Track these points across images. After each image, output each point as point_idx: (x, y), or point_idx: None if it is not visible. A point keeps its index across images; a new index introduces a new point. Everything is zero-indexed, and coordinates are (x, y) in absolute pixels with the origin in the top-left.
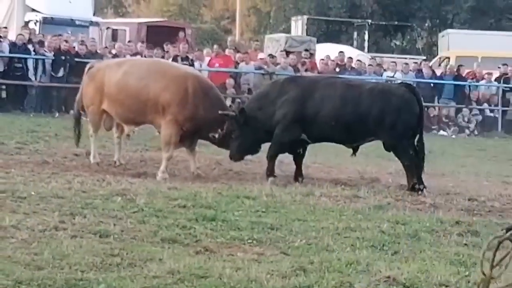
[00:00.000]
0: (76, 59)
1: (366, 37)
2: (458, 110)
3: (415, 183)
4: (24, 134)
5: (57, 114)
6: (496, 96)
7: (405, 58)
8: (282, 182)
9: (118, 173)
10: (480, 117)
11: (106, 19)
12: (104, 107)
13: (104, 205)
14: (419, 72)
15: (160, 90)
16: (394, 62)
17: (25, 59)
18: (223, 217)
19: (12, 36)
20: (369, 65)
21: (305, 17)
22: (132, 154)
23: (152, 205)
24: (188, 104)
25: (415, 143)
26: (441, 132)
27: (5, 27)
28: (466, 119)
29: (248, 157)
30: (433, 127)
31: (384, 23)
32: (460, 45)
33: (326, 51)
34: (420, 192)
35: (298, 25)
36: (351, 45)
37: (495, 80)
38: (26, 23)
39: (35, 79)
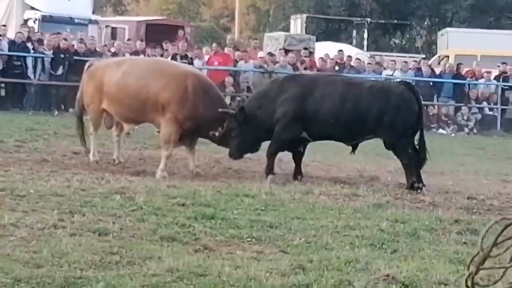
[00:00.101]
0: (75, 58)
1: (365, 35)
2: (457, 109)
3: (414, 182)
4: (23, 132)
5: (56, 112)
6: (495, 95)
7: (404, 57)
8: (281, 180)
9: (117, 171)
10: (479, 116)
11: (105, 17)
12: (104, 106)
13: (103, 203)
14: (418, 70)
15: (160, 89)
16: (393, 60)
17: (24, 57)
18: (222, 215)
19: (11, 34)
20: (368, 63)
21: (304, 15)
22: (131, 152)
23: (151, 203)
24: (188, 103)
25: (417, 142)
26: (440, 130)
27: (4, 25)
28: (465, 117)
29: (247, 155)
30: (432, 125)
31: (383, 21)
32: (459, 43)
33: (325, 50)
34: (419, 191)
35: (297, 24)
36: (350, 43)
37: (494, 78)
38: (25, 21)
39: (34, 77)
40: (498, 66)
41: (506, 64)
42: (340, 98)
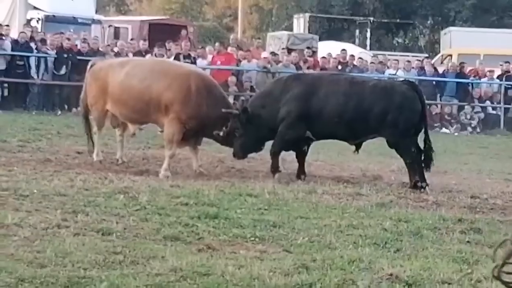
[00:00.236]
0: (79, 57)
1: (368, 34)
2: (461, 108)
3: (417, 181)
4: (27, 132)
5: (59, 112)
6: (498, 94)
7: (407, 56)
8: (284, 179)
9: (121, 171)
10: (482, 115)
11: (108, 17)
12: (108, 108)
13: (107, 203)
14: (421, 69)
15: (163, 89)
16: (396, 59)
17: (27, 57)
18: (225, 214)
19: (14, 34)
20: (371, 63)
21: (307, 14)
22: (135, 152)
23: (155, 203)
24: (191, 102)
25: (423, 141)
26: (444, 129)
27: (7, 25)
28: (468, 116)
29: (251, 155)
30: (435, 124)
31: (386, 20)
32: (462, 42)
33: (328, 49)
34: (422, 190)
35: (300, 23)
36: (353, 43)
37: (497, 77)
38: (28, 21)
39: (38, 77)
40: (501, 65)
41: (509, 63)
42: (344, 97)
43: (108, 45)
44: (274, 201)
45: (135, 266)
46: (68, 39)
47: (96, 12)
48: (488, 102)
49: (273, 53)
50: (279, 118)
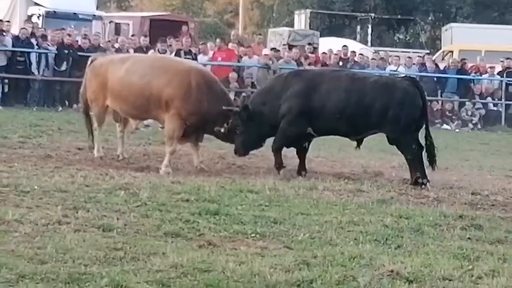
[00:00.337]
0: (79, 53)
1: (370, 31)
2: (462, 104)
3: (418, 177)
4: (27, 128)
5: (60, 108)
6: (500, 90)
7: (409, 52)
8: (290, 175)
9: (121, 167)
10: (483, 111)
11: (109, 13)
12: (108, 103)
13: (107, 199)
14: (422, 66)
15: (163, 85)
16: (398, 56)
17: (28, 53)
18: (226, 211)
19: (15, 30)
20: (372, 59)
21: (308, 11)
22: (135, 148)
23: (155, 199)
24: (192, 99)
25: (424, 138)
26: (445, 126)
27: (8, 21)
28: (469, 113)
29: (251, 151)
30: (436, 121)
31: (387, 17)
32: (463, 39)
33: (329, 45)
34: (423, 186)
35: (301, 19)
36: (355, 39)
37: (498, 73)
38: (29, 17)
39: (38, 73)
40: (502, 62)
41: (510, 59)
42: (345, 93)
43: (109, 41)
44: (275, 197)
45: (136, 263)
46: (69, 35)
47: (97, 8)
48: (489, 99)
49: (274, 49)
50: (280, 115)
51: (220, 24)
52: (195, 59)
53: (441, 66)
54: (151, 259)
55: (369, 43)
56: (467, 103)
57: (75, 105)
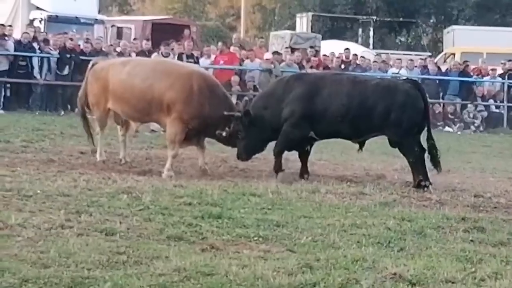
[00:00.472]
0: (81, 57)
1: (371, 33)
2: (464, 106)
3: (421, 180)
4: (30, 133)
5: (62, 112)
6: (502, 92)
7: (410, 55)
8: (288, 179)
9: (124, 171)
10: (485, 113)
11: (111, 17)
12: (110, 106)
13: (110, 203)
14: (424, 68)
15: (165, 88)
16: (399, 58)
17: (30, 57)
18: (229, 214)
19: (17, 34)
20: (374, 61)
21: (310, 14)
22: (138, 152)
23: (158, 203)
24: (193, 102)
25: (426, 141)
26: (447, 128)
27: (10, 26)
28: (471, 115)
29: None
30: (438, 123)
31: (389, 19)
32: (465, 41)
33: (331, 48)
34: (425, 189)
35: (303, 22)
36: (356, 41)
37: (500, 76)
38: (31, 21)
39: (40, 77)
40: (503, 64)
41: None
42: (347, 96)
43: (111, 45)
44: (278, 200)
45: (139, 266)
46: (71, 39)
47: (99, 12)
48: (491, 101)
49: (276, 53)
50: (282, 118)
51: (222, 28)
52: (197, 62)
53: (443, 68)
54: (154, 263)
55: (371, 46)
56: (469, 105)
57: (77, 109)
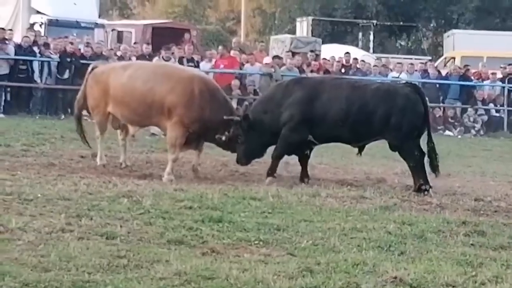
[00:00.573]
0: (82, 61)
1: (372, 37)
2: (464, 110)
3: (422, 184)
4: (30, 136)
5: (62, 116)
6: (502, 96)
7: (411, 59)
8: (288, 183)
9: (124, 175)
10: (485, 117)
11: (111, 21)
12: (110, 110)
13: (111, 207)
14: (424, 72)
15: (166, 92)
16: (400, 62)
17: (31, 61)
18: (229, 218)
19: (17, 38)
20: (375, 65)
21: (310, 18)
22: (138, 156)
23: (159, 207)
24: (194, 106)
25: (426, 145)
26: (447, 132)
27: (11, 29)
28: (471, 119)
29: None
30: (438, 127)
31: (389, 23)
32: (465, 45)
33: (332, 52)
34: (426, 193)
35: (303, 26)
36: (357, 45)
37: (500, 80)
38: (32, 25)
39: (41, 81)
40: (504, 68)
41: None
42: (346, 100)
43: (111, 49)
44: (278, 204)
45: (139, 270)
46: (71, 43)
47: (99, 16)
48: (491, 105)
49: (277, 57)
50: (281, 123)
51: (222, 32)
52: (198, 66)
53: (443, 72)
54: (154, 267)
55: (371, 50)
56: (469, 109)
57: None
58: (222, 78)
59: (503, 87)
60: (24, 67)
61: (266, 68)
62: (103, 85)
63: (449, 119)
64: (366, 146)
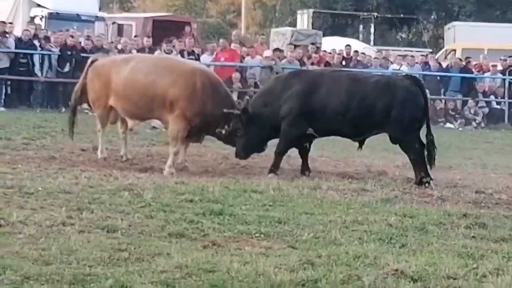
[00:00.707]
0: (82, 55)
1: (372, 30)
2: (465, 103)
3: (423, 177)
4: (31, 130)
5: (63, 110)
6: (503, 88)
7: (411, 51)
8: (289, 176)
9: (125, 168)
10: (486, 110)
11: (111, 14)
12: (111, 103)
13: (112, 200)
14: (425, 64)
15: (168, 85)
16: (400, 55)
17: (31, 54)
18: (230, 211)
19: (18, 31)
20: (375, 58)
21: (311, 10)
22: (139, 149)
23: (160, 200)
24: (196, 99)
25: (425, 137)
26: (448, 124)
27: (11, 23)
28: (472, 111)
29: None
30: (439, 119)
31: (390, 16)
32: (466, 37)
33: (332, 45)
34: (427, 185)
35: (304, 19)
36: (357, 38)
37: (500, 72)
38: (32, 18)
39: (41, 74)
40: (503, 60)
41: None
42: (346, 93)
43: (112, 42)
44: (279, 197)
45: (141, 263)
46: (72, 36)
47: (100, 9)
48: (492, 97)
49: (277, 49)
50: (280, 116)
51: (223, 25)
52: (198, 59)
53: (444, 64)
54: (155, 260)
55: (371, 42)
56: (470, 101)
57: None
58: (222, 71)
59: (504, 79)
60: (24, 60)
61: (266, 61)
62: (104, 78)
63: (450, 112)
64: (367, 139)
